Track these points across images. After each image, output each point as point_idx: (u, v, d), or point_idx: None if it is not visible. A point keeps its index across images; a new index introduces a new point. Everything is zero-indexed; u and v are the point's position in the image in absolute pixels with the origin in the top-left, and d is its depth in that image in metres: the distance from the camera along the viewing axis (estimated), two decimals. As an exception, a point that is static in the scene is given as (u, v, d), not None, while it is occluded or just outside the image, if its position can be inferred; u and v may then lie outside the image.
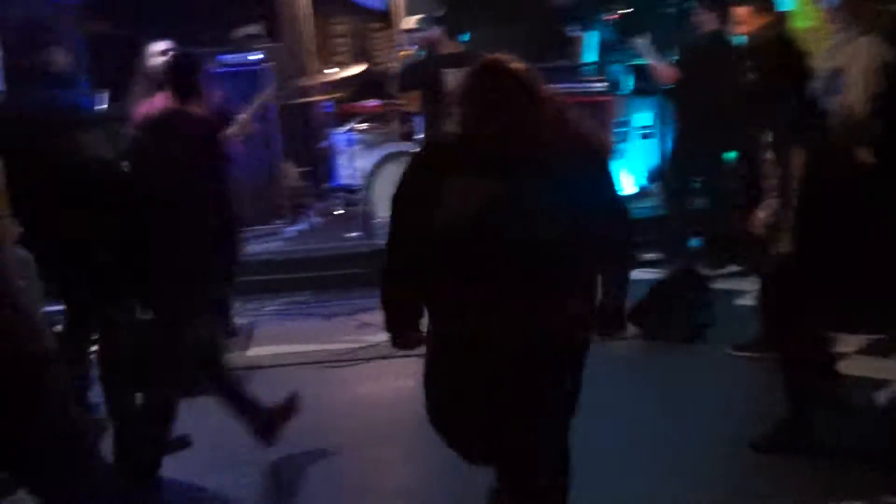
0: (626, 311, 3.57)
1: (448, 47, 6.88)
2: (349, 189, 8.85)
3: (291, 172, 9.22)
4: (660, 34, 7.44)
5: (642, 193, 8.68)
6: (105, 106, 6.60)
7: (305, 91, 9.14)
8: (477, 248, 3.20)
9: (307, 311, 7.33)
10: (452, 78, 6.34)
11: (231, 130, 5.45)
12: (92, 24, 7.89)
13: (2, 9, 5.85)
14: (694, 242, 7.56)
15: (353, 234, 8.06)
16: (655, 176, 8.52)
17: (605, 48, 9.00)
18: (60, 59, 4.64)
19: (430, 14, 7.32)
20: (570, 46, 9.13)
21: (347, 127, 8.80)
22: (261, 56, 8.34)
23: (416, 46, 7.51)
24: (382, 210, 7.28)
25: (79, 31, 7.31)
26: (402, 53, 8.35)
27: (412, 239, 3.28)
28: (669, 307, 6.19)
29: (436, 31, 6.92)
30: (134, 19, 8.00)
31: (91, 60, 7.25)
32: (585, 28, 9.01)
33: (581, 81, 8.57)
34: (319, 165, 9.29)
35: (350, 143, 8.90)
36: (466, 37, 6.95)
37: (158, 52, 6.09)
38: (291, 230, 8.78)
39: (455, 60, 6.55)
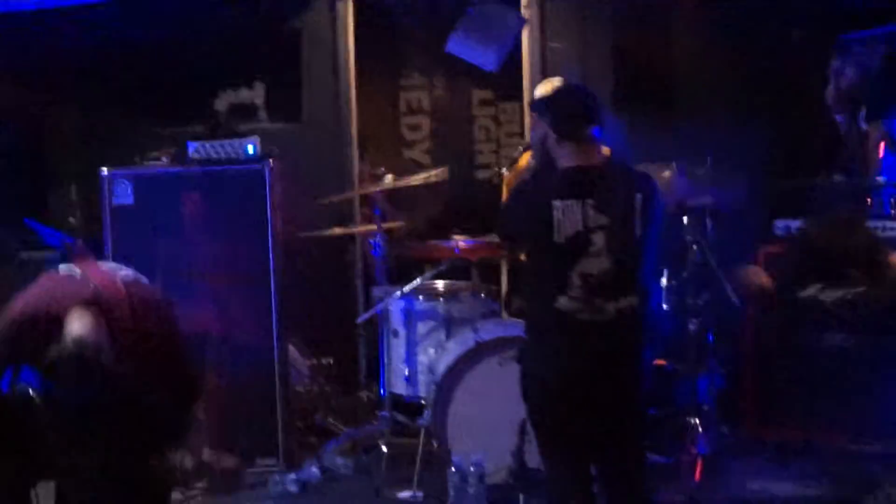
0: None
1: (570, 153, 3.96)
2: (406, 404, 5.75)
3: (299, 364, 6.11)
4: None
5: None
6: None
7: (342, 214, 6.43)
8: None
9: None
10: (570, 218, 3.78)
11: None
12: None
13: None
14: None
15: (407, 496, 5.24)
16: None
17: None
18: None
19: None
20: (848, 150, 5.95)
21: (412, 285, 5.53)
22: (257, 147, 5.63)
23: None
24: (462, 448, 4.99)
25: None
26: (523, 155, 5.54)
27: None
28: None
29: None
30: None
31: None
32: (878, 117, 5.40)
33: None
34: (353, 356, 6.54)
35: (413, 315, 5.56)
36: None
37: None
38: (288, 481, 5.48)
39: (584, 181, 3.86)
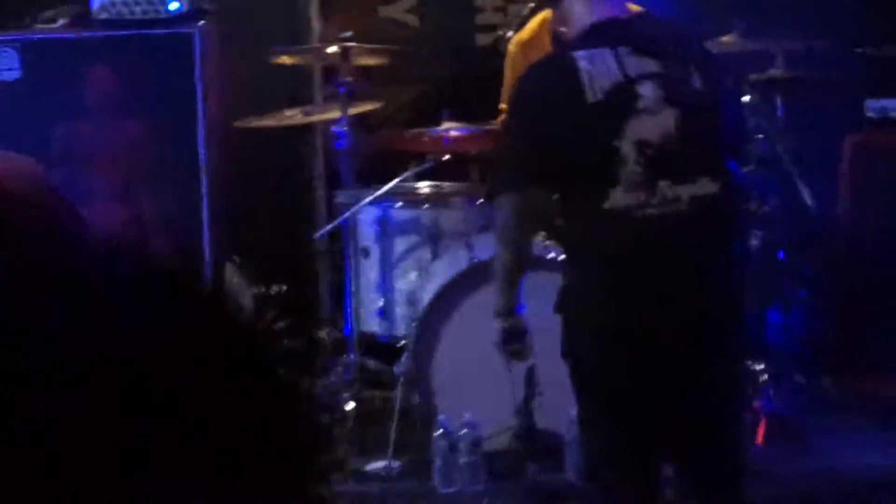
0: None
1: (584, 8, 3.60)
2: (379, 345, 5.36)
3: (240, 291, 5.52)
4: None
5: None
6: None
7: (298, 93, 5.87)
8: None
9: None
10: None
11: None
12: None
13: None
14: None
15: (380, 467, 4.94)
16: None
17: None
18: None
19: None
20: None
21: (387, 187, 5.14)
22: (184, 4, 5.32)
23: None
24: (452, 404, 4.70)
25: None
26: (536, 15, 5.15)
27: None
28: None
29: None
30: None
31: None
32: None
33: None
34: (312, 282, 6.04)
35: (389, 227, 5.22)
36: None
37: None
38: None
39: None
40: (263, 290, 5.71)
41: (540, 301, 4.21)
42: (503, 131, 3.60)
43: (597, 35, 3.25)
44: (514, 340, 3.52)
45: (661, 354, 3.21)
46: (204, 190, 5.08)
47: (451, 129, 5.04)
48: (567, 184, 3.29)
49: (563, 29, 3.43)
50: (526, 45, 4.93)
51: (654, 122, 3.17)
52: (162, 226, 5.03)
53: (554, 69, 3.35)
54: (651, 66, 3.19)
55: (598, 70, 3.17)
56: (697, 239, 3.21)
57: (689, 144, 3.18)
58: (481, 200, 5.11)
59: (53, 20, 5.06)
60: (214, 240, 5.14)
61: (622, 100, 3.17)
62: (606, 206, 3.15)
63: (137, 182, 5.11)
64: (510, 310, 3.48)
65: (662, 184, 3.14)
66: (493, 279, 3.53)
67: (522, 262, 3.49)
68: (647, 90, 3.17)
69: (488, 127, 5.06)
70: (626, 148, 3.15)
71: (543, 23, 4.85)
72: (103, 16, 5.03)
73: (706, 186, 3.17)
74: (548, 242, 4.50)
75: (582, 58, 3.18)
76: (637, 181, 3.14)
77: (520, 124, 3.45)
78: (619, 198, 3.15)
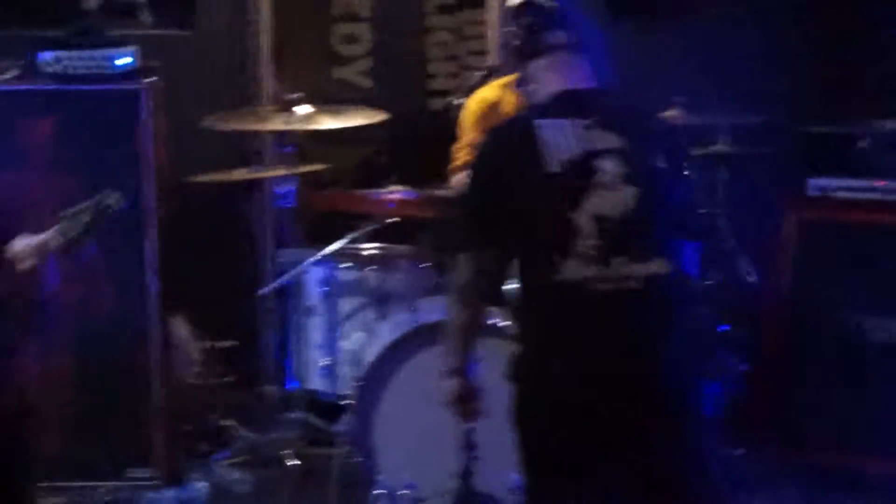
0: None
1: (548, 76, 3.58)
2: (322, 403, 5.37)
3: (187, 347, 5.54)
4: None
5: None
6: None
7: (246, 152, 5.96)
8: None
9: None
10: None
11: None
12: None
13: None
14: None
15: None
16: None
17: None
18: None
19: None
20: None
21: (332, 248, 5.15)
22: (134, 60, 5.29)
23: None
24: (392, 464, 4.69)
25: None
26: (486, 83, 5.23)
27: None
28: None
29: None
30: None
31: None
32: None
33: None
34: (255, 336, 5.89)
35: (334, 288, 5.18)
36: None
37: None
38: (166, 500, 5.21)
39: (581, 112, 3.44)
40: (210, 344, 5.66)
41: (481, 361, 4.29)
42: (462, 189, 3.48)
43: (560, 105, 3.24)
44: (466, 400, 3.47)
45: (610, 429, 3.15)
46: (150, 246, 4.99)
47: (396, 192, 5.01)
48: (522, 251, 3.25)
49: (528, 90, 3.41)
50: (490, 105, 4.95)
51: (613, 198, 3.14)
52: (107, 278, 4.95)
53: (515, 134, 3.29)
54: (613, 140, 3.17)
55: (558, 140, 3.15)
56: (648, 317, 3.18)
57: (647, 223, 3.16)
58: (427, 264, 5.10)
59: (1, 72, 5.02)
60: (162, 294, 5.06)
61: (580, 172, 3.14)
62: (558, 277, 3.12)
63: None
64: (463, 369, 3.44)
65: (617, 260, 3.11)
66: (446, 338, 3.46)
67: (478, 322, 3.45)
68: (607, 165, 3.15)
69: (434, 192, 5.06)
70: (582, 221, 3.12)
71: (504, 90, 4.90)
72: (50, 69, 4.98)
73: (660, 266, 3.15)
74: (491, 308, 4.42)
75: (544, 126, 3.16)
76: (591, 255, 3.11)
77: (478, 185, 3.37)
78: (571, 270, 3.12)
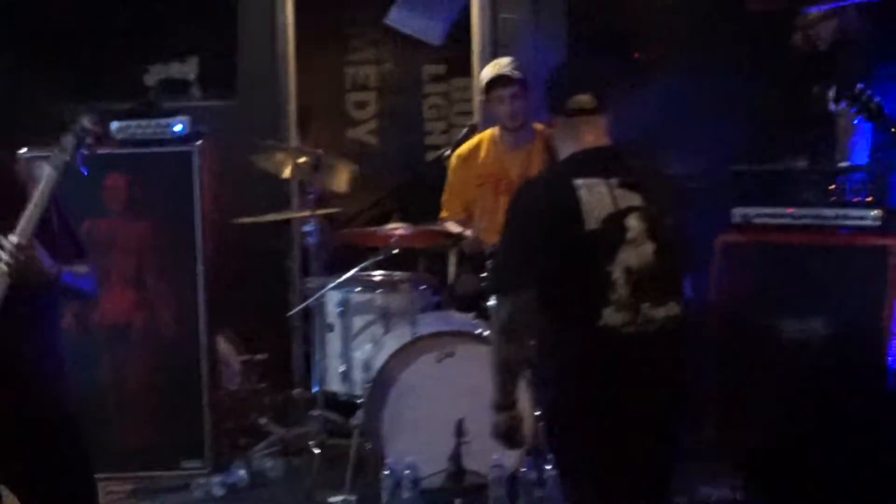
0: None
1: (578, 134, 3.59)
2: (341, 402, 5.67)
3: (230, 360, 6.05)
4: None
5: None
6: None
7: (279, 198, 6.20)
8: None
9: None
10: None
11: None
12: None
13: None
14: None
15: (339, 500, 5.14)
16: None
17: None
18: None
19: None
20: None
21: (345, 276, 5.48)
22: (186, 127, 5.59)
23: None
24: (397, 449, 4.97)
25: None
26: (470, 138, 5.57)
27: None
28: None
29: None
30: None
31: None
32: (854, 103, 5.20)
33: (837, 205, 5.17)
34: (287, 351, 6.15)
35: (349, 307, 5.54)
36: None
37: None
38: (213, 485, 5.46)
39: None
40: (249, 357, 6.12)
41: (468, 364, 4.77)
42: (504, 235, 3.41)
43: (590, 163, 3.32)
44: (514, 432, 3.47)
45: (638, 439, 3.29)
46: (201, 276, 5.43)
47: (397, 228, 5.32)
48: (560, 298, 3.31)
49: (555, 144, 3.50)
50: (465, 159, 5.40)
51: (639, 252, 3.26)
52: (166, 304, 5.46)
53: (554, 190, 3.33)
54: (636, 199, 3.29)
55: (594, 199, 3.25)
56: (668, 352, 3.32)
57: (664, 273, 3.28)
58: (424, 286, 5.51)
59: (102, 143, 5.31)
60: (209, 316, 5.49)
61: (614, 229, 3.25)
62: (600, 323, 3.23)
63: (147, 269, 5.46)
64: (511, 404, 3.43)
65: (644, 306, 3.25)
66: (494, 374, 3.40)
67: (522, 356, 3.41)
68: (633, 222, 3.27)
69: (429, 227, 5.43)
70: (617, 273, 3.24)
71: (480, 141, 5.40)
72: (120, 135, 5.41)
73: (674, 308, 3.30)
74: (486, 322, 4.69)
75: (580, 186, 3.25)
76: (624, 303, 3.24)
77: (521, 233, 3.36)
78: (610, 317, 3.24)
